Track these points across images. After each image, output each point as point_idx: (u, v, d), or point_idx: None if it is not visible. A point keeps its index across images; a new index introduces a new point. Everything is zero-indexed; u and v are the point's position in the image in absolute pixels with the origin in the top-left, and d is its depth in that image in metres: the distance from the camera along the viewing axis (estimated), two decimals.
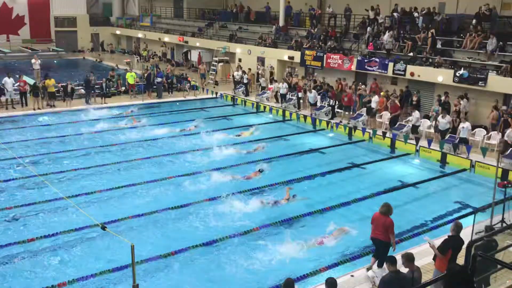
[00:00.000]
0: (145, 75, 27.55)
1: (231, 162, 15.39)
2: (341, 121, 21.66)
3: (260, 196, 12.78)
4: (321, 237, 10.50)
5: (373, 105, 20.94)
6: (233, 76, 29.41)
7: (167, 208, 11.91)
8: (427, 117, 20.78)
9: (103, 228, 6.15)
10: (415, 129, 19.25)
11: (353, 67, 24.87)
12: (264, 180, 14.12)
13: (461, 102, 19.64)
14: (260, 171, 14.54)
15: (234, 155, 16.22)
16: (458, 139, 17.46)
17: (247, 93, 27.96)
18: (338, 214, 12.25)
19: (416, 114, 19.06)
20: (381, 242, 9.08)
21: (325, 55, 26.20)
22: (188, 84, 28.93)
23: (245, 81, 27.95)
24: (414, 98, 21.26)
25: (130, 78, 27.10)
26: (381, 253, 9.08)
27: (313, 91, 23.26)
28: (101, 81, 26.33)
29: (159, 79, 26.99)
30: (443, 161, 17.12)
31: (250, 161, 15.45)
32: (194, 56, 37.21)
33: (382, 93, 21.98)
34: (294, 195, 12.92)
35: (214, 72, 32.68)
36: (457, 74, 20.13)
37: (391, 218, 9.03)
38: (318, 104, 23.70)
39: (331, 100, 22.82)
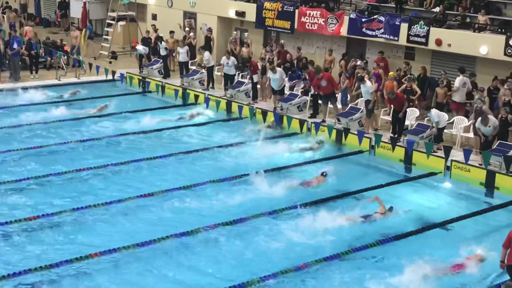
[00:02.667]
0: None
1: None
2: (323, 120, 21.72)
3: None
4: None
5: (365, 96, 21.13)
6: (143, 43, 29.03)
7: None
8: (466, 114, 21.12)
9: None
10: (440, 133, 19.55)
11: (343, 31, 25.09)
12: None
13: None
14: (324, 174, 17.52)
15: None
16: None
17: (166, 73, 27.64)
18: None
19: (436, 113, 19.31)
20: None
21: (297, 11, 26.36)
22: (65, 57, 28.40)
23: (162, 52, 27.66)
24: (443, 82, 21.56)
25: None
26: None
27: (278, 69, 23.24)
28: None
29: (15, 48, 26.29)
30: (489, 184, 17.47)
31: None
32: (75, 9, 36.55)
33: (391, 74, 22.22)
34: (391, 207, 15.49)
35: (109, 38, 32.25)
36: (511, 43, 20.60)
37: None
38: (286, 90, 23.71)
39: (310, 86, 22.85)
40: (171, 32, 29.05)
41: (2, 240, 13.42)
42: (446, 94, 21.17)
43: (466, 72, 21.33)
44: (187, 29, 29.83)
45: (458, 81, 21.01)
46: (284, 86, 23.55)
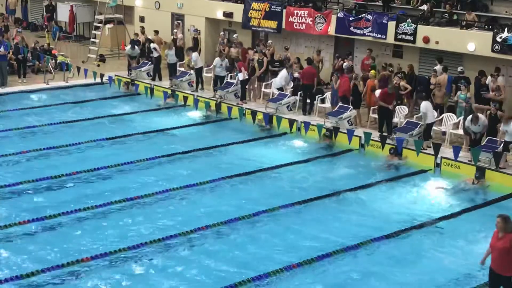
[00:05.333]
0: None
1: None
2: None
3: None
4: None
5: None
6: (131, 45, 28.90)
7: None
8: (452, 109, 21.19)
9: None
10: (428, 130, 19.63)
11: (331, 30, 25.12)
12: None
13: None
14: (391, 152, 19.13)
15: None
16: (502, 145, 17.94)
17: (159, 75, 27.53)
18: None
19: (425, 105, 19.40)
20: (505, 279, 10.66)
21: (284, 10, 26.38)
22: (53, 61, 28.30)
23: (155, 54, 27.53)
24: (433, 80, 21.64)
25: None
26: None
27: (283, 72, 23.32)
28: None
29: (2, 51, 26.15)
30: (480, 180, 17.65)
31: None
32: (62, 13, 36.42)
33: (372, 72, 22.32)
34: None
35: (96, 41, 32.17)
36: (498, 39, 20.70)
37: None
38: (275, 90, 23.77)
39: (302, 84, 22.92)
40: (155, 31, 29.08)
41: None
42: (444, 96, 21.21)
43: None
44: (175, 30, 29.75)
45: (438, 70, 21.79)
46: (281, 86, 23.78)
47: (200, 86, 25.93)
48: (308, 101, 22.99)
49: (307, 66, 23.22)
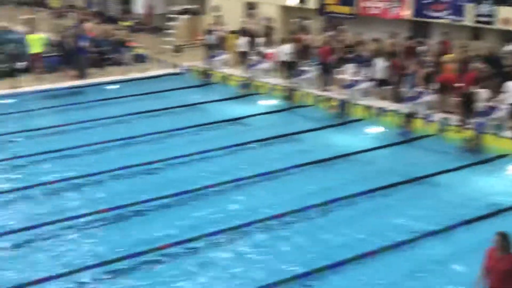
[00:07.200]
0: (67, 41, 27.41)
1: None
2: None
3: None
4: None
5: None
6: (207, 34, 29.19)
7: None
8: None
9: None
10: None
11: (407, 13, 24.76)
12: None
13: None
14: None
15: None
16: None
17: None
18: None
19: (507, 85, 18.94)
20: None
21: None
22: (130, 53, 28.92)
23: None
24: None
25: (37, 44, 26.76)
26: None
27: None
28: None
29: (82, 45, 26.78)
30: None
31: None
32: (139, 5, 37.23)
33: (450, 56, 21.85)
34: None
35: (173, 32, 32.59)
36: None
37: None
38: (348, 76, 23.67)
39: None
40: None
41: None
42: None
43: None
44: (244, 19, 29.69)
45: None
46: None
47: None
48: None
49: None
